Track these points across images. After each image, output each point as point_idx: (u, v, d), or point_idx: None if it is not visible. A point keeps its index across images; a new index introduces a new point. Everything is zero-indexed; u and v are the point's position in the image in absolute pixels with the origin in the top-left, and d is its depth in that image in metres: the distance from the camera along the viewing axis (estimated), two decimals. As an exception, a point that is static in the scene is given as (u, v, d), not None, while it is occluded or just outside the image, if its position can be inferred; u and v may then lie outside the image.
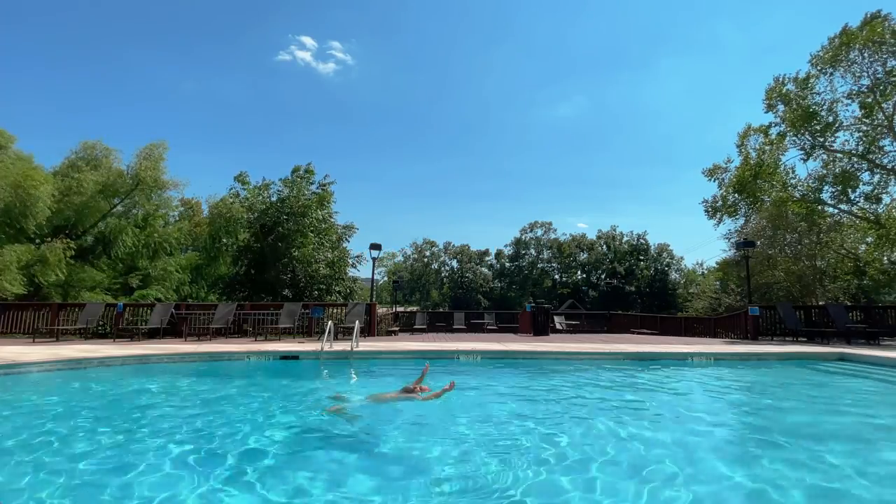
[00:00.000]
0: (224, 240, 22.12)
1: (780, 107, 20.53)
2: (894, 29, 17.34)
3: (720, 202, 23.25)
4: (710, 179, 23.30)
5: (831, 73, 18.98)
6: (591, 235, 66.47)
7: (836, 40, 18.46)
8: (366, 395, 5.62)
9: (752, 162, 20.93)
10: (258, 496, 2.85)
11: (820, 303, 22.72)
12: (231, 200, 21.51)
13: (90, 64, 64.14)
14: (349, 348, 8.92)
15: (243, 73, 76.23)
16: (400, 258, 73.35)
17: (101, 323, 13.65)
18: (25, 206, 17.65)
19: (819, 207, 21.12)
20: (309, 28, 77.43)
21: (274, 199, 21.64)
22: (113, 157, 21.90)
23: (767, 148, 20.91)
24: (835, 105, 19.30)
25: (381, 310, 18.75)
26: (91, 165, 21.22)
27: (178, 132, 79.09)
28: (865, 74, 18.22)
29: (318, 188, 22.65)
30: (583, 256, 65.48)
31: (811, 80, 19.55)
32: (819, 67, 19.17)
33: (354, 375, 7.73)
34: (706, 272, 56.78)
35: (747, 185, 21.05)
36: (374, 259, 15.43)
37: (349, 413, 4.93)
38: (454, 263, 71.73)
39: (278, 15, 71.04)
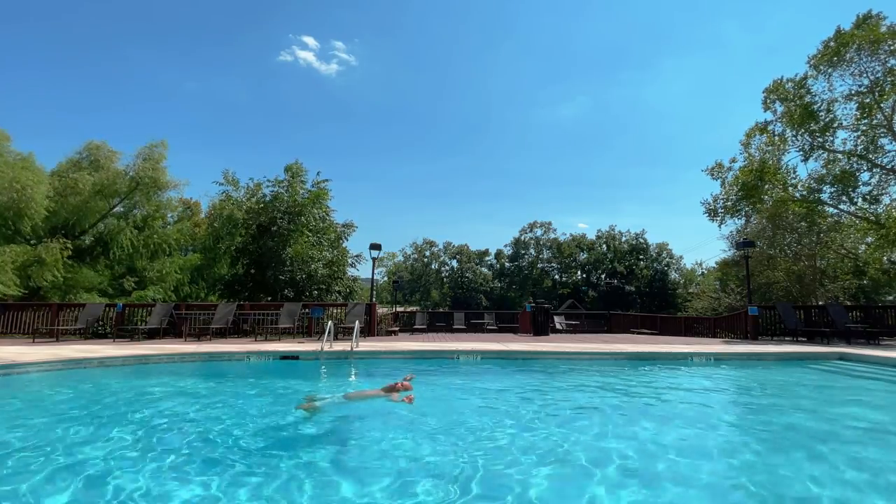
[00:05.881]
0: (223, 240, 22.12)
1: (779, 108, 20.54)
2: (892, 28, 17.34)
3: (721, 201, 23.24)
4: (713, 178, 23.26)
5: (829, 74, 19.00)
6: (591, 235, 66.55)
7: (832, 42, 18.48)
8: (342, 392, 5.61)
9: (755, 164, 20.95)
10: (240, 495, 2.85)
11: (820, 303, 22.75)
12: (225, 202, 21.51)
13: (92, 64, 64.15)
14: (349, 348, 8.91)
15: (245, 74, 76.26)
16: (400, 258, 73.32)
17: (100, 323, 13.64)
18: (20, 206, 17.62)
19: (819, 208, 21.12)
20: (311, 28, 77.45)
21: (269, 199, 21.62)
22: (115, 158, 21.90)
23: (769, 148, 20.92)
24: (833, 105, 19.31)
25: (381, 310, 18.74)
26: (93, 167, 21.21)
27: (180, 132, 79.13)
28: (864, 74, 18.22)
29: (312, 186, 22.60)
30: (583, 256, 65.49)
31: (808, 81, 19.57)
32: (817, 68, 19.19)
33: (354, 375, 7.72)
34: (706, 272, 56.82)
35: (752, 189, 21.05)
36: (373, 259, 15.42)
37: (321, 410, 4.92)
38: (454, 263, 71.70)
39: (281, 15, 71.08)
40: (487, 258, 71.86)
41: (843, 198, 20.30)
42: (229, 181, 21.78)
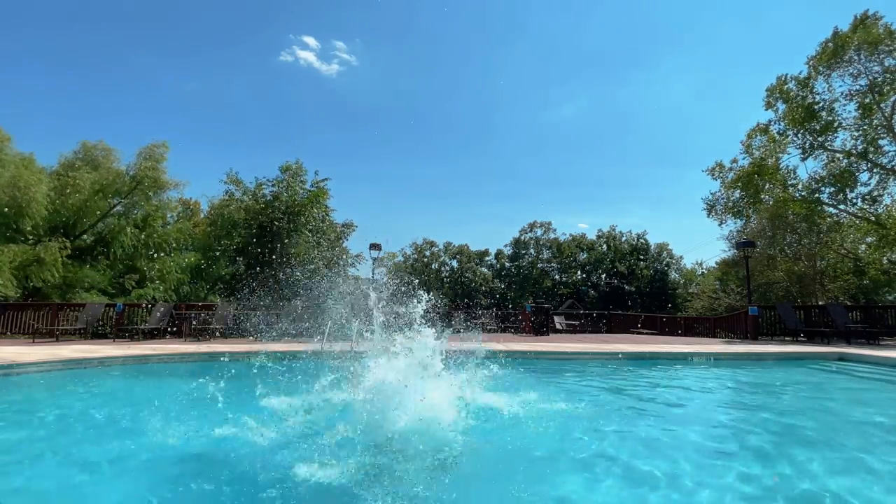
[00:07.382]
0: (224, 240, 22.13)
1: (781, 106, 20.55)
2: (889, 29, 17.35)
3: (721, 200, 23.23)
4: (713, 178, 23.27)
5: (828, 75, 19.01)
6: (592, 235, 66.46)
7: (829, 44, 18.48)
8: None
9: (756, 160, 20.98)
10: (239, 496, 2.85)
11: (820, 303, 22.73)
12: (227, 202, 21.52)
13: (93, 64, 64.04)
14: (349, 348, 8.90)
15: (246, 74, 76.09)
16: (400, 258, 73.28)
17: (100, 323, 13.63)
18: (22, 205, 17.62)
19: (819, 208, 21.11)
20: (312, 28, 77.34)
21: (269, 199, 21.63)
22: (113, 158, 21.88)
23: (770, 145, 20.94)
24: (833, 105, 19.32)
25: (380, 310, 18.68)
26: (91, 166, 21.19)
27: (180, 132, 78.92)
28: (863, 75, 18.22)
29: (312, 186, 22.59)
30: (583, 256, 65.46)
31: (810, 81, 19.58)
32: (816, 69, 19.20)
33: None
34: (706, 272, 56.77)
35: (750, 182, 21.04)
36: (373, 259, 15.44)
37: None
38: (454, 263, 71.68)
39: (282, 15, 70.87)
40: (487, 258, 71.81)
41: (841, 197, 20.32)
42: (233, 181, 21.80)
